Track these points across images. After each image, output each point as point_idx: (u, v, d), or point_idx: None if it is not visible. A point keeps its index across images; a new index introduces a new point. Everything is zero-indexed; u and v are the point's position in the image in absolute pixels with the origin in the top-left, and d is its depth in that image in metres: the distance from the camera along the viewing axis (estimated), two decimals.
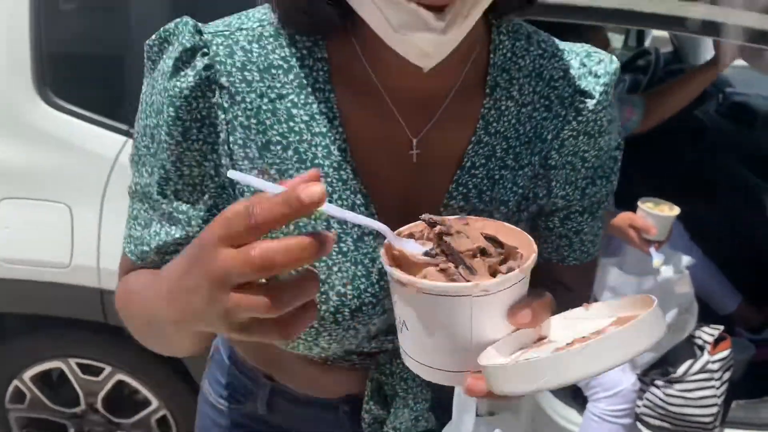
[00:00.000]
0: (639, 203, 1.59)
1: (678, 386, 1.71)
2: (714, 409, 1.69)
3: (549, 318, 0.47)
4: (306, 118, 0.56)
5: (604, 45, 1.64)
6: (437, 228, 0.47)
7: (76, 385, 1.70)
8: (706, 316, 1.90)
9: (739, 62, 2.69)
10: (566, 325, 0.47)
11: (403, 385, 0.65)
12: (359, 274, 0.58)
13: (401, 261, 0.48)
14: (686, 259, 1.68)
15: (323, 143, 0.57)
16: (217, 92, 0.55)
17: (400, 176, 0.59)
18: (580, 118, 0.61)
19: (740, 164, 2.04)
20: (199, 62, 0.55)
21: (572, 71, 0.61)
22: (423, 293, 0.44)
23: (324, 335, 0.59)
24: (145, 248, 0.59)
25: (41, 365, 1.66)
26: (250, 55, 0.56)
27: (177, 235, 0.58)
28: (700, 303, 1.77)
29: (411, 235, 0.49)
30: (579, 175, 0.63)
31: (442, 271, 0.46)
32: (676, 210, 1.59)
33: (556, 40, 0.63)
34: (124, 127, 1.45)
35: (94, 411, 1.75)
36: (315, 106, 0.56)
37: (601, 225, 0.68)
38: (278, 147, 0.56)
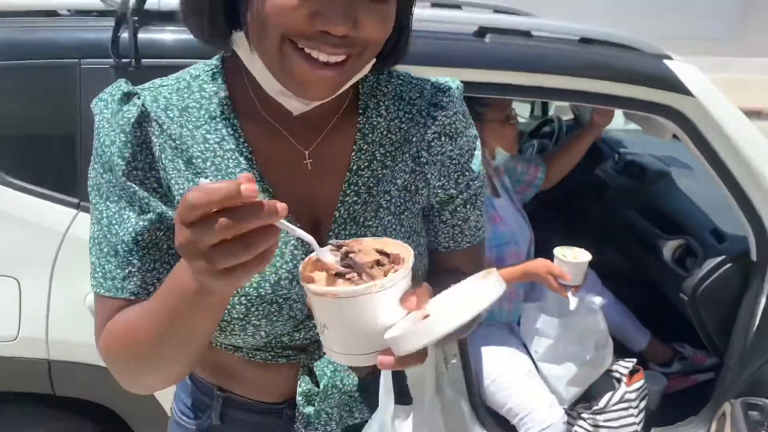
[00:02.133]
0: (555, 252, 1.78)
1: (602, 417, 1.87)
2: None
3: (429, 300, 0.62)
4: (218, 139, 0.74)
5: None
6: (344, 248, 0.62)
7: None
8: (621, 353, 2.10)
9: (629, 126, 3.06)
10: (442, 304, 0.63)
11: (330, 367, 0.78)
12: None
13: (314, 279, 0.61)
14: (598, 300, 1.88)
15: (233, 156, 0.73)
16: (149, 124, 0.72)
17: (299, 181, 0.75)
18: (437, 123, 0.79)
19: (637, 214, 2.30)
20: (137, 101, 0.72)
21: (426, 92, 0.80)
22: (337, 298, 0.58)
23: (252, 311, 0.72)
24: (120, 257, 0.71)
25: None
26: (170, 100, 0.74)
27: (147, 219, 0.70)
28: (615, 342, 1.97)
29: (318, 260, 0.63)
30: (450, 170, 0.80)
31: (348, 280, 0.60)
32: (588, 256, 1.78)
33: (411, 74, 0.83)
34: (74, 200, 1.52)
35: None
36: (224, 130, 0.74)
37: (480, 214, 0.85)
38: (199, 160, 0.73)
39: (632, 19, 9.10)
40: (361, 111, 0.78)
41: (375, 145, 0.78)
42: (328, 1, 0.61)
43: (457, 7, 2.20)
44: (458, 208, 0.83)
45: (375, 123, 0.78)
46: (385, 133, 0.78)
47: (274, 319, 0.73)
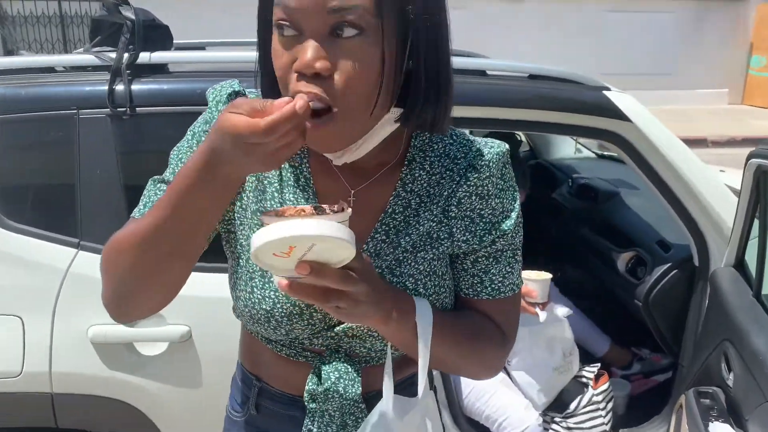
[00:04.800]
0: None
1: (573, 420, 2.01)
2: None
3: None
4: (294, 167, 0.88)
5: None
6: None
7: None
8: (585, 359, 2.26)
9: (583, 154, 3.30)
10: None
11: (336, 374, 0.86)
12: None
13: None
14: (564, 310, 2.04)
15: (295, 173, 0.87)
16: None
17: None
18: (469, 182, 0.85)
19: (591, 232, 2.50)
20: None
21: (470, 153, 0.86)
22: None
23: (278, 307, 0.83)
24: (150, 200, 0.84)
25: None
26: None
27: None
28: (579, 348, 2.13)
29: (303, 210, 0.68)
30: (477, 227, 0.85)
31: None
32: (549, 275, 1.95)
33: (467, 133, 0.89)
34: (74, 240, 1.63)
35: None
36: (300, 163, 0.88)
37: (509, 269, 0.88)
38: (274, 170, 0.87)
39: (583, 57, 9.58)
40: (406, 162, 0.86)
41: (413, 194, 0.85)
42: (301, 46, 0.70)
43: None
44: (479, 260, 0.87)
45: (417, 175, 0.86)
46: (424, 185, 0.86)
47: (294, 321, 0.84)
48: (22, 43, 10.58)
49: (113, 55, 1.67)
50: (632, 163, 1.88)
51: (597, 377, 2.06)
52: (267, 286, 0.84)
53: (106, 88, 1.62)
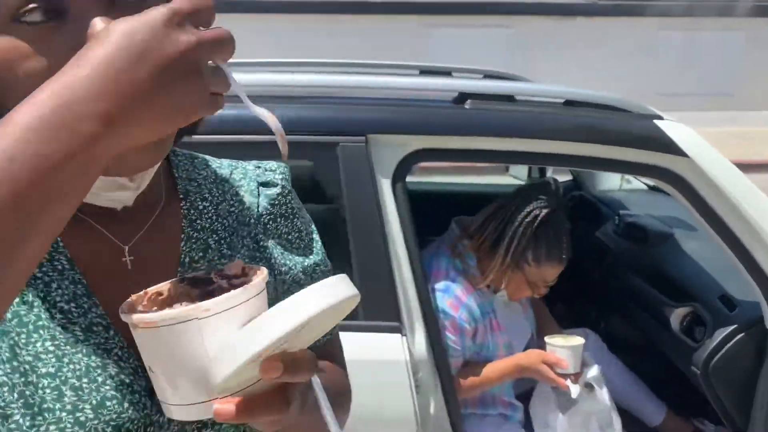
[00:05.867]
0: (547, 339, 1.67)
1: None
2: None
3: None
4: None
5: None
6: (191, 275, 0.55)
7: None
8: (636, 429, 1.94)
9: (633, 185, 2.98)
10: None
11: None
12: (93, 365, 0.57)
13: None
14: (594, 372, 1.73)
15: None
16: None
17: (120, 282, 0.61)
18: (271, 202, 0.74)
19: (641, 279, 2.18)
20: None
21: (251, 173, 0.75)
22: (153, 328, 0.46)
23: None
24: None
25: None
26: None
27: None
28: (628, 416, 1.82)
29: (160, 293, 0.52)
30: (292, 253, 0.75)
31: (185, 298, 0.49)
32: (581, 340, 1.66)
33: (227, 159, 0.78)
34: None
35: None
36: None
37: None
38: None
39: (636, 77, 9.20)
40: (182, 196, 0.69)
41: (207, 232, 0.69)
42: (72, 36, 0.50)
43: (447, 73, 2.18)
44: None
45: (201, 208, 0.70)
46: (214, 218, 0.70)
47: None
48: None
49: None
50: (689, 204, 1.61)
51: None
52: (77, 404, 0.55)
53: None
